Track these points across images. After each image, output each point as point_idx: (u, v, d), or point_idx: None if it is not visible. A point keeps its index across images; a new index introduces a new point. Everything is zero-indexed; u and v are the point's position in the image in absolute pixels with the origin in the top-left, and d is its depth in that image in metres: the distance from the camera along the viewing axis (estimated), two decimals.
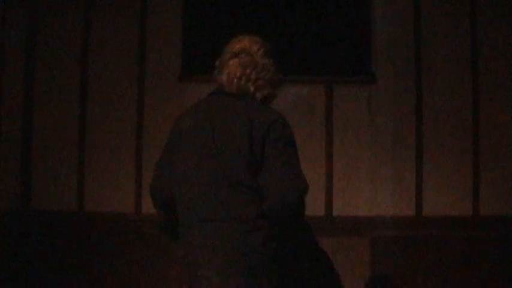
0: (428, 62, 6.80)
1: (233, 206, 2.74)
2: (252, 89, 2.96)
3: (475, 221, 6.68)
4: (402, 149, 6.72)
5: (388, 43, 6.84)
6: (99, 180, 6.63)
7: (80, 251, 6.51)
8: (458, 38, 6.82)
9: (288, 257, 2.92)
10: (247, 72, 2.96)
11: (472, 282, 6.60)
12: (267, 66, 3.01)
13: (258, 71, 2.98)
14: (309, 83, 6.73)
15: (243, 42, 3.05)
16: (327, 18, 6.88)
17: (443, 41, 6.83)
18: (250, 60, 2.99)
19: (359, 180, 6.69)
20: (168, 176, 2.99)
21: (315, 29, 6.88)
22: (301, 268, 3.19)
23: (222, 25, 6.84)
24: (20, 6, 6.57)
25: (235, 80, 2.95)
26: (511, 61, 6.83)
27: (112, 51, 6.75)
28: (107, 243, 6.55)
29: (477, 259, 6.61)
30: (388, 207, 6.66)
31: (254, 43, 3.06)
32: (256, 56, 3.02)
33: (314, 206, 6.05)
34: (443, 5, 6.85)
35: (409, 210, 6.68)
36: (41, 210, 6.57)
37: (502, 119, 6.78)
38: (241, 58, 2.99)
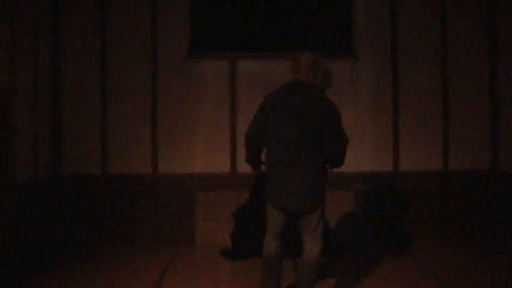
0: (402, 39, 7.66)
1: (304, 159, 4.71)
2: (318, 83, 4.92)
3: (444, 175, 7.63)
4: (380, 113, 7.64)
5: (367, 24, 7.70)
6: (120, 145, 7.52)
7: (105, 208, 7.42)
8: (429, 19, 7.68)
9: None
10: (318, 75, 4.93)
11: (442, 228, 7.55)
12: (324, 73, 4.98)
13: (321, 74, 4.95)
14: None
15: (312, 57, 4.95)
16: (318, 5, 7.72)
17: (416, 21, 7.68)
18: (317, 69, 4.93)
19: None
20: (260, 133, 4.92)
21: (308, 14, 7.70)
22: None
23: (225, 9, 7.67)
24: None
25: (313, 80, 4.90)
26: (476, 38, 7.71)
27: (127, 32, 7.58)
28: (129, 200, 7.46)
29: (447, 208, 7.57)
30: (369, 163, 7.61)
31: (319, 60, 4.98)
32: (320, 67, 4.96)
33: None
34: None
35: (387, 166, 7.64)
36: (68, 174, 7.49)
37: (467, 88, 7.68)
38: (313, 68, 4.91)
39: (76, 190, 7.44)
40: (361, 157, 7.60)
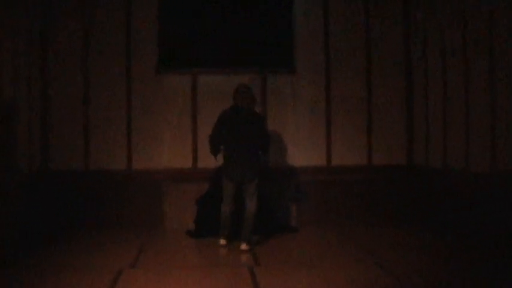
0: (334, 55, 9.31)
1: (251, 151, 7.36)
2: (252, 106, 7.50)
3: (369, 168, 9.30)
4: (316, 118, 9.26)
5: (304, 44, 9.31)
6: (100, 146, 8.95)
7: (88, 201, 8.80)
8: (356, 37, 9.35)
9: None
10: (251, 101, 7.53)
11: (367, 212, 9.17)
12: (254, 98, 7.63)
13: (251, 98, 7.55)
14: (249, 73, 9.16)
15: (247, 90, 7.56)
16: (263, 30, 9.29)
17: (345, 40, 9.33)
18: (251, 96, 7.54)
19: (286, 142, 9.21)
20: (220, 139, 7.49)
21: (256, 36, 9.26)
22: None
23: (187, 33, 9.16)
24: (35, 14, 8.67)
25: (247, 103, 7.47)
26: (396, 59, 9.41)
27: (106, 50, 9.01)
28: (108, 192, 8.88)
29: (370, 196, 9.21)
30: (307, 159, 9.22)
31: (249, 89, 7.60)
32: (251, 94, 7.57)
33: None
34: (345, 13, 9.36)
35: (321, 161, 9.27)
36: (57, 170, 8.87)
37: (387, 97, 9.37)
38: (247, 97, 7.52)
39: (63, 183, 8.81)
40: (300, 155, 9.19)
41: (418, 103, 9.26)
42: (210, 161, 8.19)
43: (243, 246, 7.36)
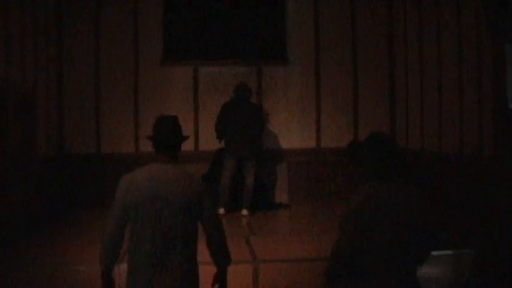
0: (323, 50, 10.20)
1: (249, 133, 8.73)
2: (249, 97, 8.84)
3: None
4: (306, 105, 10.16)
5: (296, 38, 10.19)
6: (110, 131, 9.81)
7: (99, 181, 9.61)
8: (344, 30, 10.24)
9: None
10: (249, 93, 8.87)
11: (351, 190, 9.95)
12: (251, 92, 9.00)
13: (249, 91, 8.91)
14: (246, 65, 10.06)
15: (246, 85, 8.92)
16: (259, 24, 10.14)
17: (333, 33, 10.22)
18: (248, 90, 8.91)
19: (279, 126, 10.13)
20: (223, 125, 8.72)
21: (252, 30, 10.11)
22: None
23: (189, 27, 10.00)
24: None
25: (245, 94, 8.79)
26: (380, 51, 10.29)
27: (115, 46, 9.87)
28: (118, 173, 9.62)
29: (355, 175, 9.91)
30: (298, 142, 10.13)
31: (247, 86, 8.96)
32: (249, 89, 8.92)
33: None
34: (334, 10, 10.24)
35: (311, 143, 10.18)
36: (71, 154, 9.72)
37: (373, 84, 10.27)
38: (246, 90, 8.88)
39: (77, 165, 9.68)
40: (292, 137, 10.09)
41: (399, 92, 10.16)
42: (210, 145, 9.17)
43: (244, 212, 8.73)
